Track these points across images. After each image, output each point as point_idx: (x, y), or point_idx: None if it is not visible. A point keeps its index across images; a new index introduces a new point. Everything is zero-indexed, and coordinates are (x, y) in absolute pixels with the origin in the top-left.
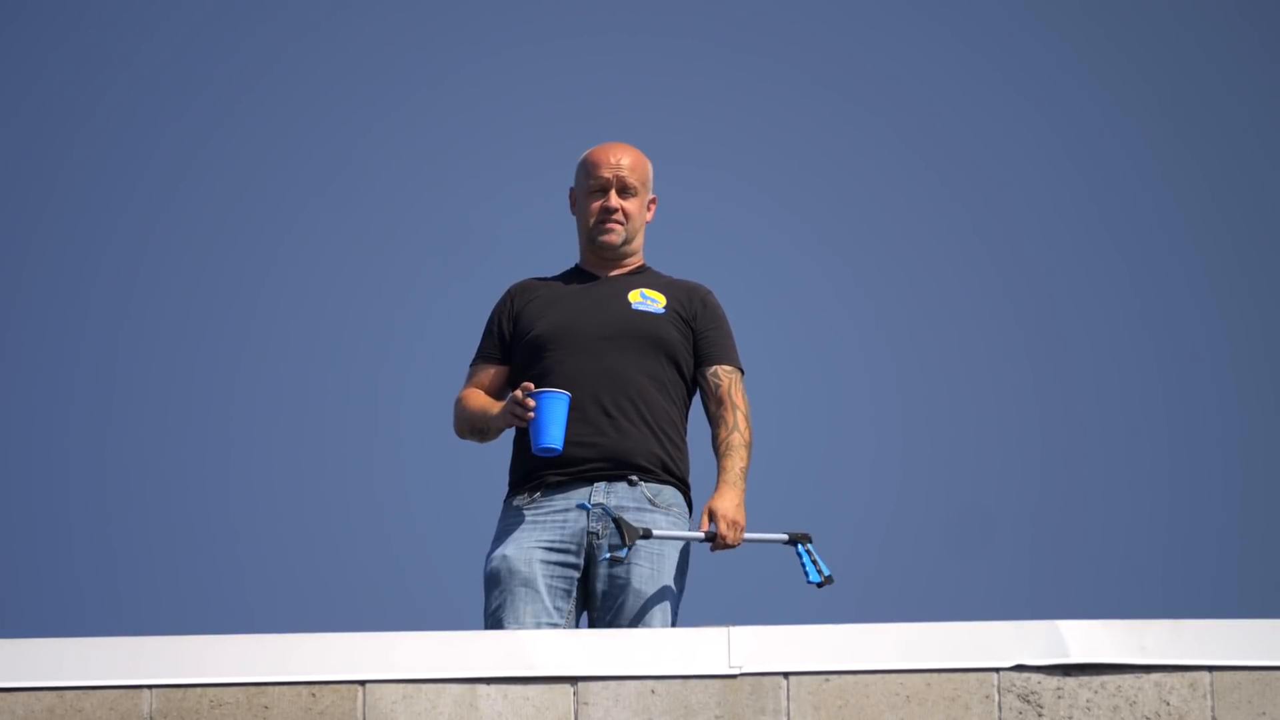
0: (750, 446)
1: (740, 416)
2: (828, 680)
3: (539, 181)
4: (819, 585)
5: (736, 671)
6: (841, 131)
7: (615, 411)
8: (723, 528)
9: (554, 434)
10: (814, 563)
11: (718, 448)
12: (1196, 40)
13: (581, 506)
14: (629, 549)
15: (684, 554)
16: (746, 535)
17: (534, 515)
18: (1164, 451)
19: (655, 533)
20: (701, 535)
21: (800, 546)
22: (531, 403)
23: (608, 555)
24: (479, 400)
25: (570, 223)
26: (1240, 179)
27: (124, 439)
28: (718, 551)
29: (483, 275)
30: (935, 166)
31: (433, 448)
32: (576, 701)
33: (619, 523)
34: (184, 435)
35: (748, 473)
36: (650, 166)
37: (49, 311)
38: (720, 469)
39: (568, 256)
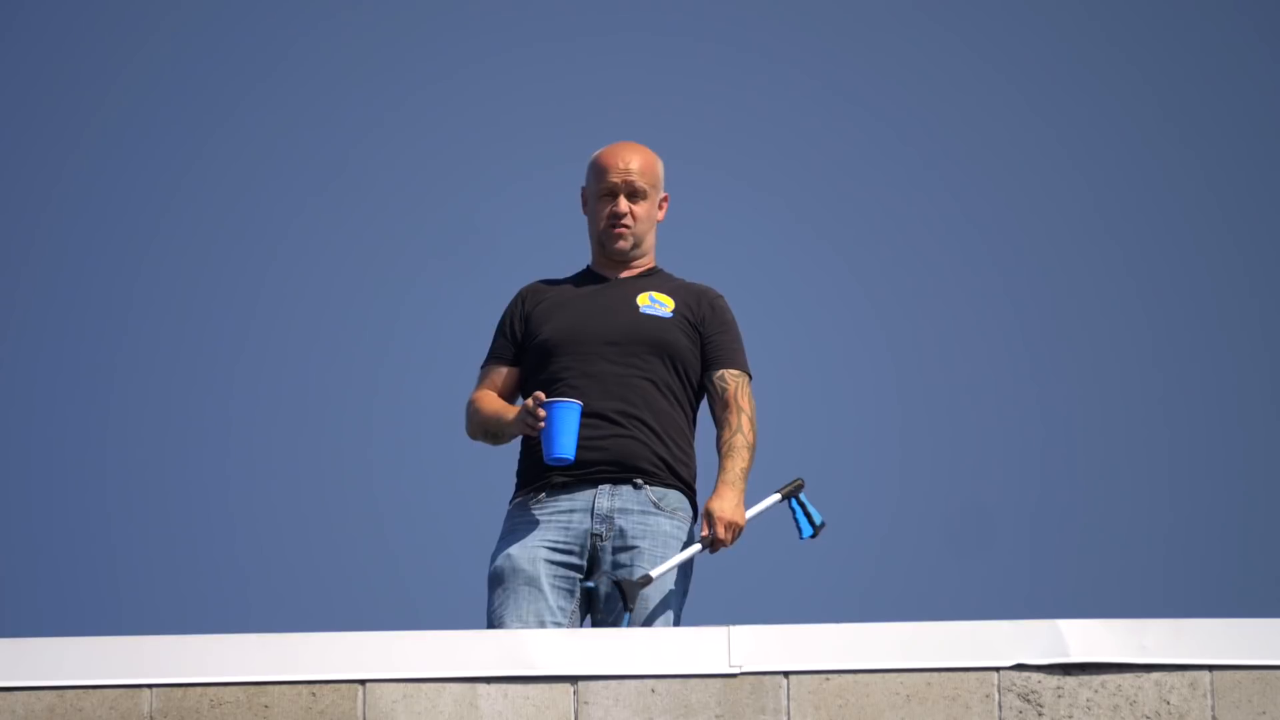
0: (753, 449)
1: (745, 419)
2: (828, 679)
3: (541, 180)
4: (813, 537)
5: (737, 671)
6: (843, 132)
7: (621, 417)
8: (720, 530)
9: (565, 444)
10: (806, 515)
11: (720, 449)
12: (1197, 40)
13: (585, 586)
14: (631, 612)
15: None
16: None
17: (539, 515)
18: (1164, 451)
19: (653, 574)
20: (698, 548)
21: (794, 501)
22: (542, 412)
23: (591, 584)
24: (493, 404)
25: (574, 221)
26: (1241, 179)
27: (124, 439)
28: (717, 551)
29: (485, 274)
30: (935, 166)
31: (433, 447)
32: (577, 701)
33: (619, 585)
34: (184, 435)
35: (748, 474)
36: (660, 165)
37: (49, 311)
38: (720, 469)
39: (570, 255)
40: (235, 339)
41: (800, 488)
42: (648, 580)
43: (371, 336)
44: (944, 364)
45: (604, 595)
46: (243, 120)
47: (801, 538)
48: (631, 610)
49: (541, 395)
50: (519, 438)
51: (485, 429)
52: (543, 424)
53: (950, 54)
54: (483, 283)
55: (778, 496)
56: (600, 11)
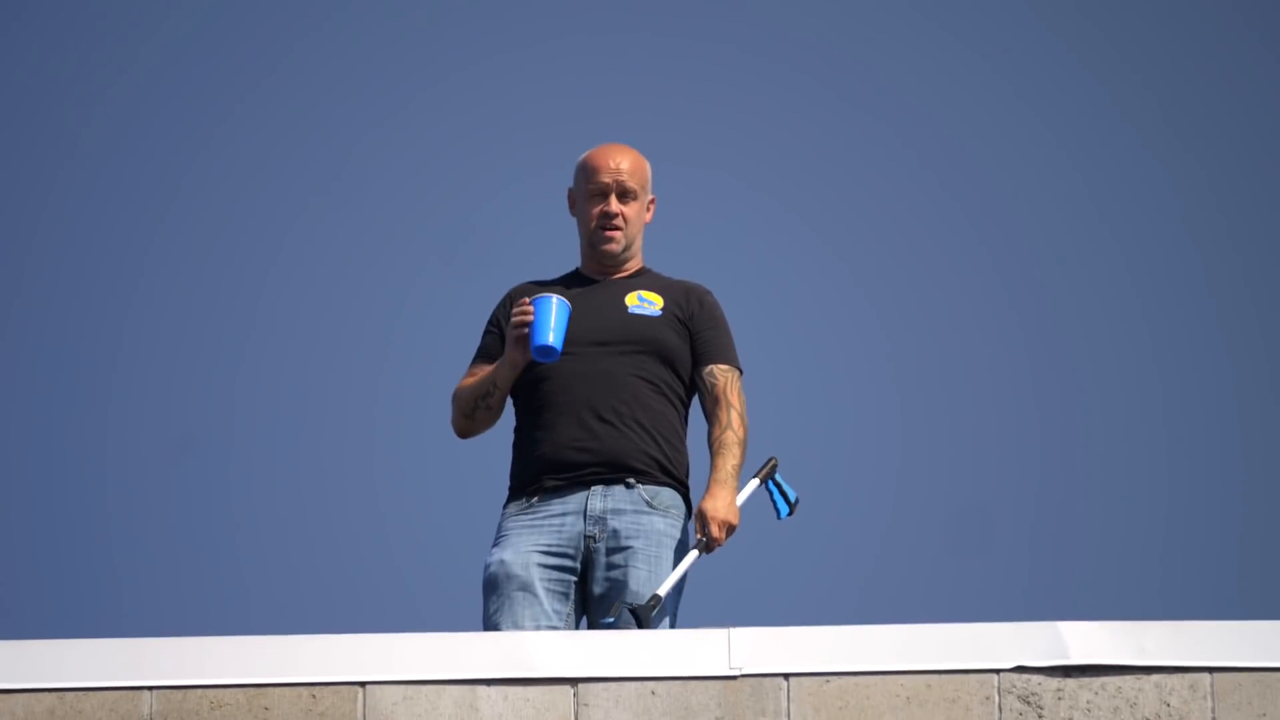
0: (744, 445)
1: (735, 415)
2: (828, 681)
3: (539, 181)
4: (790, 515)
5: (737, 673)
6: (842, 132)
7: (611, 416)
8: (714, 530)
9: (552, 332)
10: (783, 495)
11: (711, 446)
12: (1196, 41)
13: (606, 623)
14: (618, 619)
15: (681, 556)
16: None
17: (532, 519)
18: (1164, 451)
19: (660, 592)
20: (696, 555)
21: (770, 482)
22: (529, 304)
23: (610, 619)
24: (478, 374)
25: (570, 222)
26: (1240, 179)
27: (124, 439)
28: (713, 551)
29: (483, 275)
30: (935, 167)
31: (433, 448)
32: (577, 703)
33: (635, 613)
34: (184, 435)
35: (740, 471)
36: (649, 167)
37: (49, 311)
38: (712, 467)
39: (568, 256)
40: (235, 340)
41: (775, 467)
42: (658, 600)
43: (370, 337)
44: (943, 364)
45: (605, 604)
46: (243, 120)
47: (779, 518)
48: (617, 617)
49: (527, 299)
50: (508, 438)
51: (475, 394)
52: (530, 317)
53: (950, 54)
54: (481, 284)
55: (756, 482)
56: (600, 12)
